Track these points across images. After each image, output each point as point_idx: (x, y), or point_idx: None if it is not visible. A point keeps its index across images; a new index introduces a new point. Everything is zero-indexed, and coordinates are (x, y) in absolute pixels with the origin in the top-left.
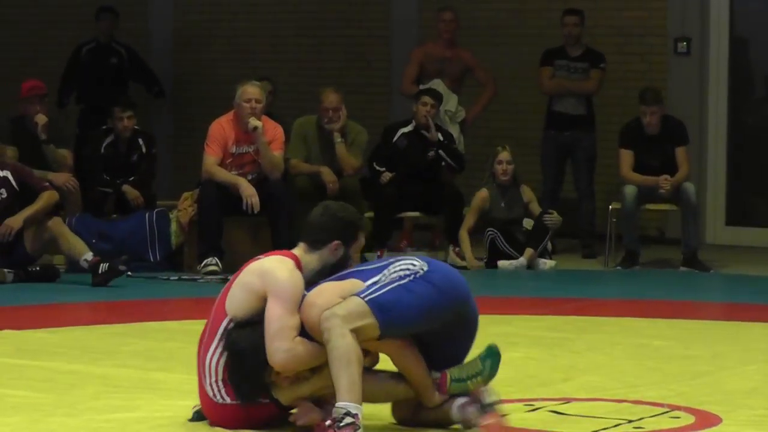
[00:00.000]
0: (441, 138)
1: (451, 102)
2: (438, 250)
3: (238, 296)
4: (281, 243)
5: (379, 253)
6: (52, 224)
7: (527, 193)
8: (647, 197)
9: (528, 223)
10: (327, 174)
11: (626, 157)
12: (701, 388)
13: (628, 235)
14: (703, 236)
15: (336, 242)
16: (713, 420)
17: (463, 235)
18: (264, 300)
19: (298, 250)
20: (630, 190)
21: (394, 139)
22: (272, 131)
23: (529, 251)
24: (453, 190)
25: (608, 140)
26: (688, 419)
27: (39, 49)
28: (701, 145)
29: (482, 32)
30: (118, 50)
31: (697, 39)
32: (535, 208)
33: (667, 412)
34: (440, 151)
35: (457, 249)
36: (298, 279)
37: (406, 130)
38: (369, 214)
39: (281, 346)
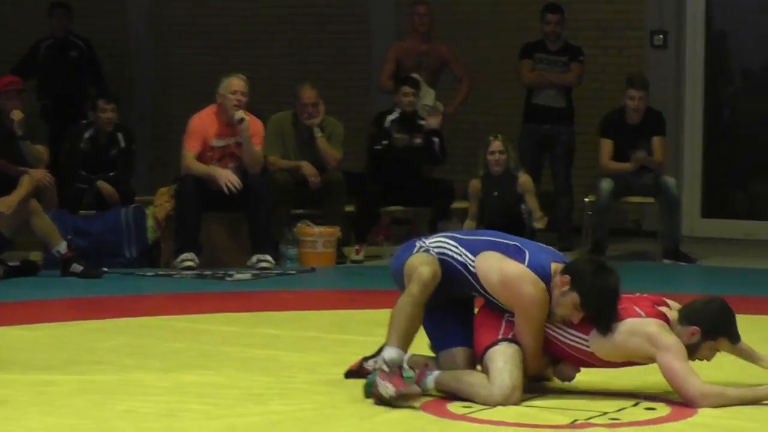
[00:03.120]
0: (434, 126)
1: (428, 96)
2: None
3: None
4: (260, 238)
5: (357, 248)
6: (31, 204)
7: (525, 184)
8: (624, 190)
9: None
10: (308, 168)
11: (606, 146)
12: None
13: (599, 228)
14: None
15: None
16: (688, 412)
17: (470, 225)
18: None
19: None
20: (606, 185)
21: (386, 125)
22: (253, 126)
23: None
24: (445, 183)
25: (585, 133)
26: (663, 410)
27: None
28: (678, 138)
29: (460, 26)
30: (76, 43)
31: (673, 32)
32: (531, 200)
33: (642, 403)
34: (434, 138)
35: None
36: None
37: (393, 117)
38: (350, 209)
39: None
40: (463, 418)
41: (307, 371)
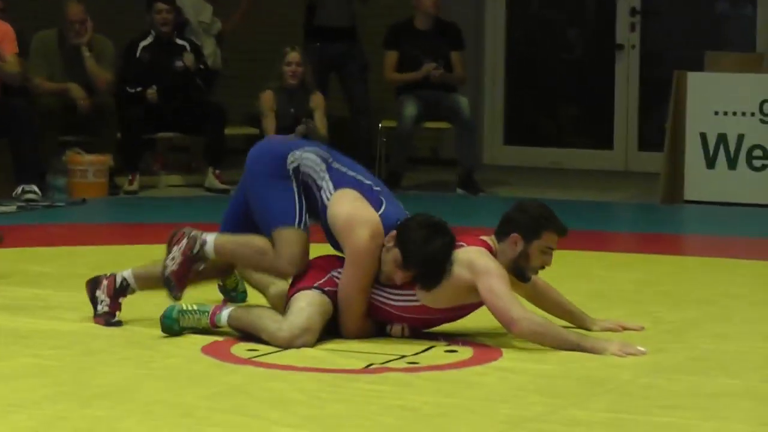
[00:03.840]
0: (188, 48)
1: (205, 12)
2: (194, 173)
3: None
4: (24, 167)
5: (130, 178)
6: None
7: (318, 101)
8: (427, 115)
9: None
10: (76, 90)
11: (391, 57)
12: (481, 323)
13: (397, 155)
14: (481, 156)
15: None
16: (492, 354)
17: None
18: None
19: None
20: (409, 111)
21: (137, 54)
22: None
23: None
24: (215, 107)
25: (376, 53)
26: (466, 353)
27: None
28: (477, 59)
29: None
30: None
31: None
32: (321, 119)
33: (442, 346)
34: (195, 77)
35: (217, 171)
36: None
37: (146, 43)
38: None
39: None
40: (247, 362)
41: (78, 312)
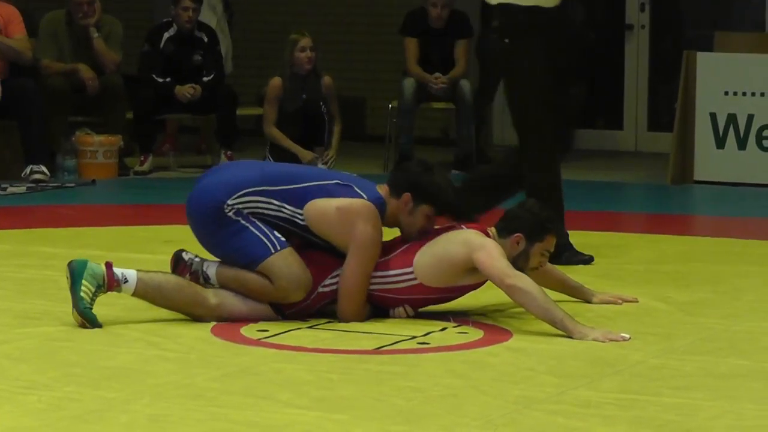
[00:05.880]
0: (205, 40)
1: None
2: (205, 154)
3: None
4: (33, 148)
5: (142, 158)
6: None
7: (329, 86)
8: (427, 94)
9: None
10: (85, 71)
11: (411, 46)
12: (491, 303)
13: (404, 136)
14: (491, 136)
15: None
16: (502, 335)
17: (274, 131)
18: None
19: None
20: (409, 83)
21: (161, 45)
22: (4, 11)
23: (309, 154)
24: (227, 89)
25: (387, 33)
26: (476, 334)
27: None
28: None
29: None
30: None
31: None
32: (334, 105)
33: (453, 327)
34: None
35: (229, 153)
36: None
37: (169, 34)
38: (130, 116)
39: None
40: (257, 343)
41: None
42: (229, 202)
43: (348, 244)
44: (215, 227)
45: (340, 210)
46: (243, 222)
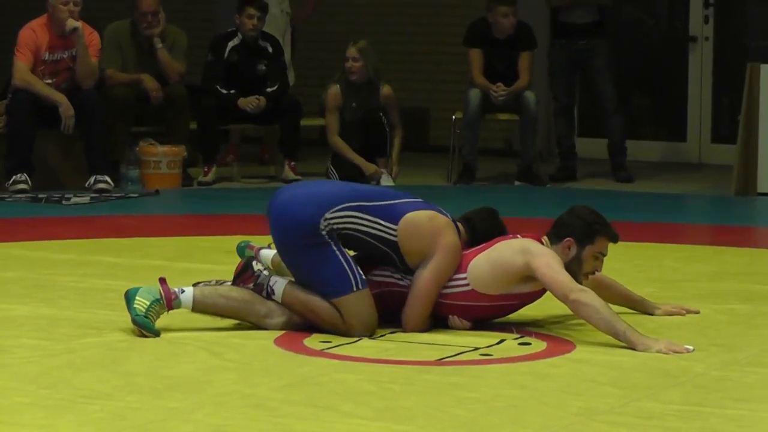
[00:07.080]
0: (270, 50)
1: (285, 1)
2: (267, 164)
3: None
4: (96, 158)
5: (205, 169)
6: None
7: (387, 96)
8: (492, 105)
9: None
10: (149, 81)
11: (476, 57)
12: (554, 315)
13: (467, 146)
14: (552, 148)
15: (569, 240)
16: (565, 347)
17: (338, 141)
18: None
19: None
20: (474, 94)
21: (225, 55)
22: (88, 36)
23: (372, 166)
24: (290, 99)
25: (450, 44)
26: (539, 346)
27: None
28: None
29: None
30: None
31: None
32: (393, 114)
33: (516, 338)
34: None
35: (292, 164)
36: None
37: (233, 44)
38: (194, 126)
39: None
40: (320, 354)
41: None
42: (327, 215)
43: (430, 253)
44: (305, 245)
45: (432, 219)
46: (333, 247)
